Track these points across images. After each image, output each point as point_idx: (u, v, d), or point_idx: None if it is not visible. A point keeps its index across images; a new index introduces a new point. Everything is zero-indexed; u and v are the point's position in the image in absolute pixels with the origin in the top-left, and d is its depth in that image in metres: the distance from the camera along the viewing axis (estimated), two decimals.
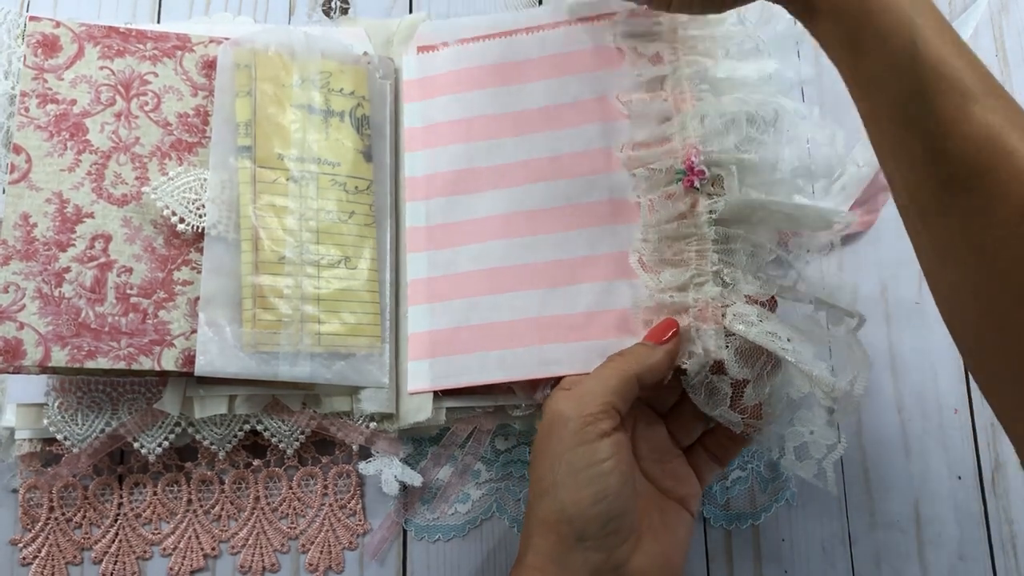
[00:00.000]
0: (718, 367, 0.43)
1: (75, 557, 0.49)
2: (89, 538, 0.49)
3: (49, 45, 0.48)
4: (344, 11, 0.57)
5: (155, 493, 0.50)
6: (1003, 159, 0.34)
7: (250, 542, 0.50)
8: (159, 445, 0.48)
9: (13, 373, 0.45)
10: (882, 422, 0.52)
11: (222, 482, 0.50)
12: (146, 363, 0.46)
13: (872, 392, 0.53)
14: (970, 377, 0.52)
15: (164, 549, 0.49)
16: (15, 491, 0.49)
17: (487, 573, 0.50)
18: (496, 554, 0.51)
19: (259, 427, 0.49)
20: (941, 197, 0.36)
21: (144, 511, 0.50)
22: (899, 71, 0.36)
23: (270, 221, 0.48)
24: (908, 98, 0.36)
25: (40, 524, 0.49)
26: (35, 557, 0.49)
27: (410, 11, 0.58)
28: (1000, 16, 0.58)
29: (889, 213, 0.55)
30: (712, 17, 0.49)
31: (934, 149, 0.35)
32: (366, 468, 0.49)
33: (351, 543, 0.50)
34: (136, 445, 0.48)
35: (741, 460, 0.51)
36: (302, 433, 0.49)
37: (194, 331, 0.47)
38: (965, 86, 0.35)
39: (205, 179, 0.48)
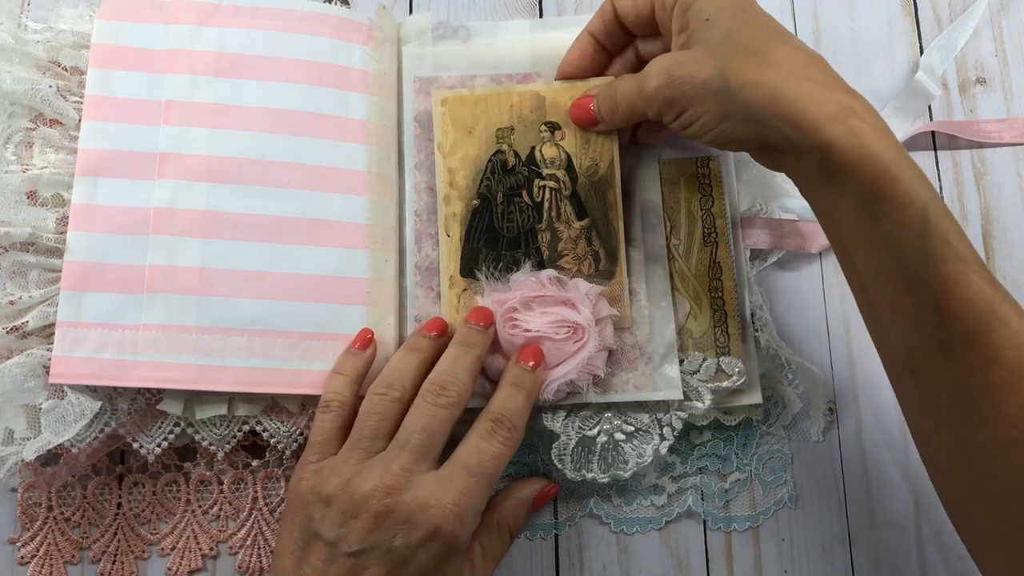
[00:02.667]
0: None
1: (73, 556, 0.49)
2: (87, 537, 0.49)
3: None
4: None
5: (154, 493, 0.50)
6: (998, 323, 0.38)
7: (248, 543, 0.50)
8: (158, 445, 0.48)
9: None
10: (882, 422, 0.52)
11: (221, 482, 0.50)
12: None
13: (872, 392, 0.53)
14: None
15: (162, 549, 0.49)
16: (14, 490, 0.49)
17: None
18: None
19: (258, 428, 0.49)
20: (938, 354, 0.39)
21: (143, 511, 0.50)
22: (911, 236, 0.39)
23: None
24: (916, 261, 0.39)
25: (39, 523, 0.49)
26: (33, 556, 0.49)
27: (410, 11, 0.58)
28: (1000, 16, 0.58)
29: None
30: None
31: (937, 308, 0.39)
32: None
33: None
34: (135, 445, 0.48)
35: (740, 462, 0.51)
36: (301, 434, 0.49)
37: None
38: (967, 255, 0.39)
39: None
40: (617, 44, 0.50)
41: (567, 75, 0.51)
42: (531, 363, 0.47)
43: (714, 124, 0.43)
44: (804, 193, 0.44)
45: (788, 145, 0.41)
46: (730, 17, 0.43)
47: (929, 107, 0.56)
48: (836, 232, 0.43)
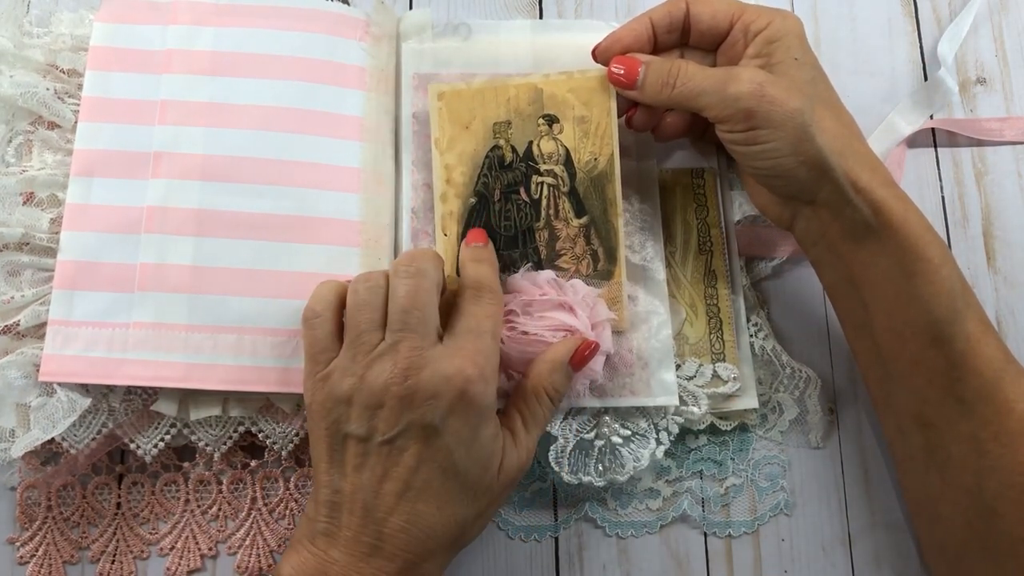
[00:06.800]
0: None
1: (72, 556, 0.49)
2: (86, 537, 0.49)
3: None
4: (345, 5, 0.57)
5: (153, 493, 0.50)
6: (1012, 379, 0.43)
7: (247, 543, 0.50)
8: (155, 446, 0.48)
9: None
10: None
11: (220, 482, 0.50)
12: None
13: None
14: None
15: (161, 549, 0.49)
16: (13, 489, 0.49)
17: (486, 573, 0.50)
18: (495, 554, 0.51)
19: (253, 428, 0.49)
20: (954, 407, 0.43)
21: (142, 511, 0.50)
22: (942, 294, 0.43)
23: None
24: (945, 318, 0.43)
25: (37, 523, 0.49)
26: (32, 556, 0.49)
27: (410, 7, 0.58)
28: (1000, 16, 0.58)
29: None
30: None
31: (959, 363, 0.43)
32: None
33: None
34: (132, 446, 0.48)
35: (736, 467, 0.51)
36: (296, 435, 0.49)
37: None
38: (984, 317, 0.44)
39: None
40: (668, 43, 0.49)
41: (610, 51, 0.48)
42: (481, 242, 0.48)
43: (780, 154, 0.44)
44: (823, 251, 0.46)
45: (836, 199, 0.44)
46: (815, 66, 0.47)
47: None
48: (855, 290, 0.45)
